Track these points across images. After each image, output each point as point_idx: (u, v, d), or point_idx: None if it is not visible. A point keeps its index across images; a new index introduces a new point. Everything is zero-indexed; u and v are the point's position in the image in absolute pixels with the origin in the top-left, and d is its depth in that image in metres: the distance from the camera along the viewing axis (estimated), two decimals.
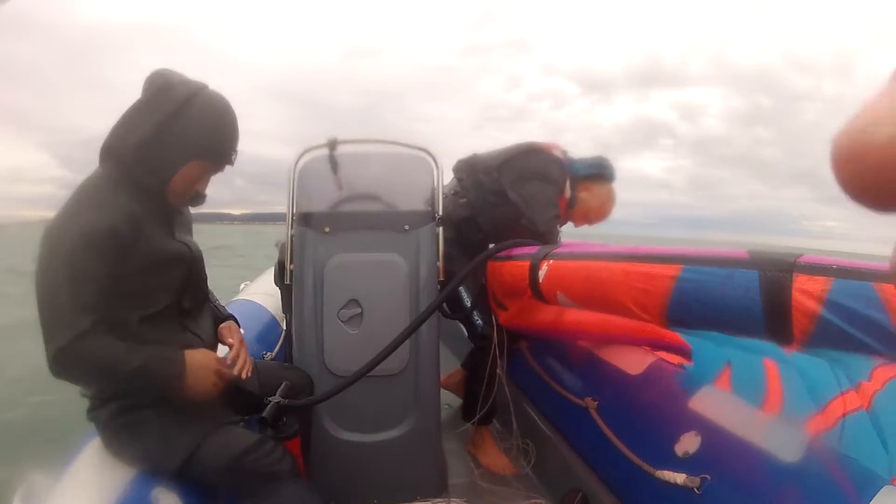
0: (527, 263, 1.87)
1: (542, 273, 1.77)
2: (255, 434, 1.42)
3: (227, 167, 1.47)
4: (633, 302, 1.32)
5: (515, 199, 2.29)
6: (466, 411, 2.40)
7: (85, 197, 1.32)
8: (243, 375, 1.51)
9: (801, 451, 1.27)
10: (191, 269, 1.47)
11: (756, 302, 1.01)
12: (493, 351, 2.23)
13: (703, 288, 1.13)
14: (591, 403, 1.96)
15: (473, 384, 2.34)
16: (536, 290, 1.82)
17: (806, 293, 0.95)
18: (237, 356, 1.50)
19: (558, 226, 2.38)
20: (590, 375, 2.08)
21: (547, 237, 2.28)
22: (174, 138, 1.35)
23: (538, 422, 2.32)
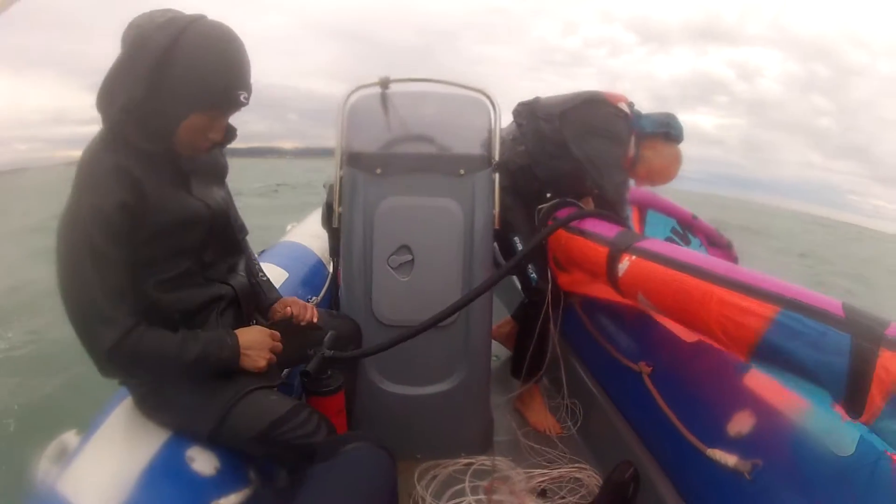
0: (604, 250, 1.78)
1: (622, 267, 1.69)
2: (290, 401, 1.37)
3: (244, 108, 1.29)
4: (723, 330, 1.31)
5: (579, 156, 2.19)
6: (515, 367, 2.35)
7: (85, 172, 1.20)
8: (314, 320, 1.57)
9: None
10: (212, 226, 1.37)
11: (843, 367, 1.07)
12: (546, 306, 2.15)
13: (798, 338, 1.15)
14: (644, 368, 1.89)
15: (524, 340, 2.27)
16: (615, 283, 1.74)
17: (887, 371, 1.01)
18: (302, 311, 1.56)
19: (627, 189, 2.27)
20: (644, 338, 2.00)
21: (615, 203, 2.20)
22: (164, 93, 1.17)
23: (587, 382, 2.27)
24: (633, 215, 3.36)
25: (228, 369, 1.32)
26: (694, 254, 1.58)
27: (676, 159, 2.34)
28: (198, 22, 1.18)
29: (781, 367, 1.25)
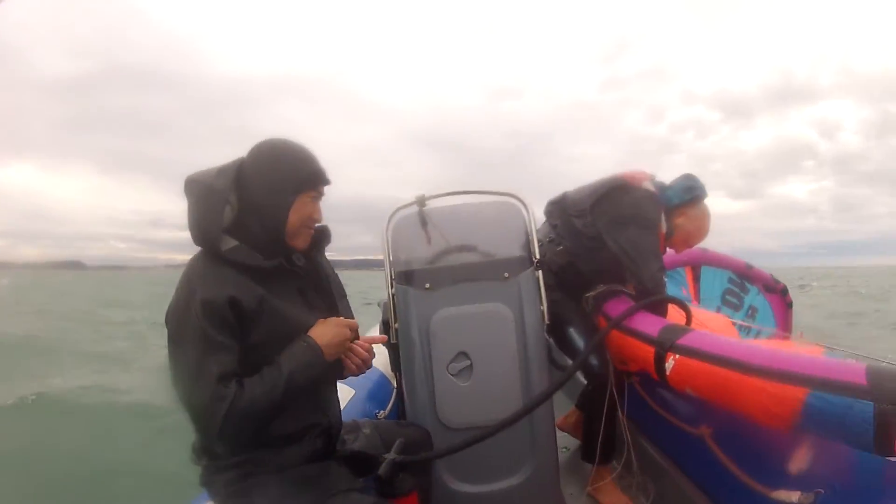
0: (651, 350, 2.02)
1: (668, 366, 1.93)
2: (372, 500, 1.53)
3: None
4: (763, 415, 1.54)
5: (615, 249, 2.40)
6: (587, 452, 2.55)
7: (198, 273, 1.42)
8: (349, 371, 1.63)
9: None
10: None
11: (869, 431, 1.27)
12: (609, 389, 2.36)
13: (826, 415, 1.37)
14: (705, 431, 2.12)
15: (593, 424, 2.46)
16: (664, 380, 1.98)
17: None
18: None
19: (664, 276, 2.44)
20: (702, 402, 2.13)
21: (653, 292, 2.36)
22: (262, 195, 1.45)
23: (655, 456, 2.50)
24: (687, 275, 3.45)
25: (323, 367, 1.46)
26: (731, 344, 1.81)
27: (706, 217, 2.54)
28: (255, 147, 1.51)
29: (821, 438, 1.50)
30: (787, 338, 3.48)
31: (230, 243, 1.45)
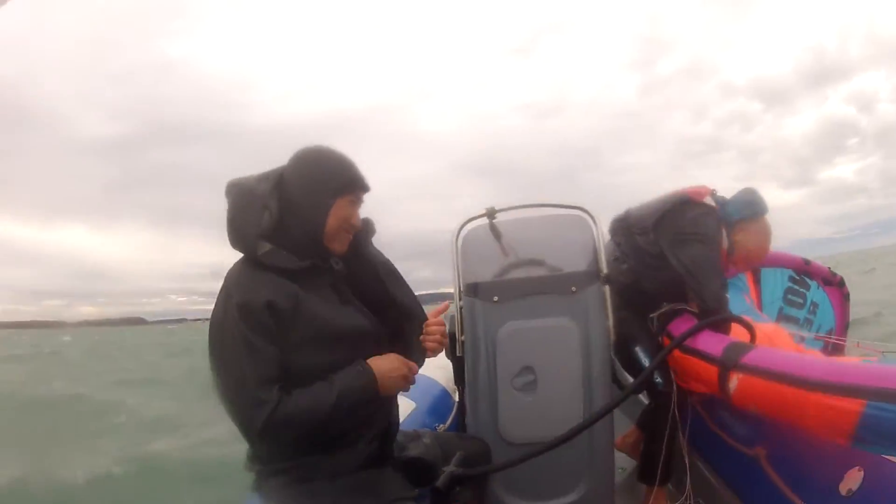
0: (714, 369, 2.04)
1: (732, 385, 1.95)
2: None
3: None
4: (822, 431, 1.60)
5: (677, 266, 2.40)
6: (646, 473, 2.50)
7: (234, 279, 1.47)
8: (431, 351, 1.69)
9: None
10: (377, 339, 1.60)
11: None
12: (672, 410, 2.32)
13: (883, 425, 1.39)
14: (760, 452, 2.10)
15: (653, 444, 2.46)
16: (728, 399, 2.01)
17: None
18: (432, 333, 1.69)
19: (726, 293, 2.42)
20: (759, 422, 2.17)
21: (716, 312, 2.33)
22: (303, 196, 1.50)
23: (709, 477, 2.47)
24: (748, 280, 3.40)
25: (374, 397, 1.49)
26: (791, 359, 1.82)
27: (767, 233, 2.54)
28: (297, 153, 1.57)
29: (879, 450, 1.51)
30: (842, 344, 3.47)
31: (266, 247, 1.47)
